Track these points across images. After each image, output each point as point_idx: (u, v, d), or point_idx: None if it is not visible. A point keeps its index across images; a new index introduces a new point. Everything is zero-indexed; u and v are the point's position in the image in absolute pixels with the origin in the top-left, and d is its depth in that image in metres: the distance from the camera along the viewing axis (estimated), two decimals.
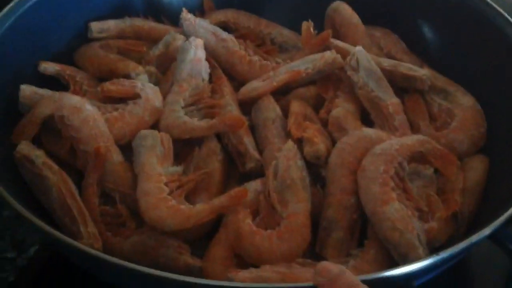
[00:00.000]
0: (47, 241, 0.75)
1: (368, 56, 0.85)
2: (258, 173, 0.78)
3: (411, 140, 0.75)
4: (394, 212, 0.68)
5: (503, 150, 0.80)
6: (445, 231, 0.72)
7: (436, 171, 0.77)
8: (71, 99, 0.77)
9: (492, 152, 0.80)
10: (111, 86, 0.82)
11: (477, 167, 0.79)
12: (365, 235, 0.71)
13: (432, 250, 0.69)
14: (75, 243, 0.62)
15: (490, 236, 0.65)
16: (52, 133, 0.78)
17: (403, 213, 0.68)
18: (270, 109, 0.82)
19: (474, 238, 0.63)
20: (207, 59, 0.86)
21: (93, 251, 0.62)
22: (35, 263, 0.78)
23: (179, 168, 0.75)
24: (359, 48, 0.85)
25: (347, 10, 0.94)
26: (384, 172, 0.71)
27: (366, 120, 0.83)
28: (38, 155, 0.73)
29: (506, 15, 0.86)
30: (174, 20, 0.96)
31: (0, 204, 0.76)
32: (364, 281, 0.54)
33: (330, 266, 0.55)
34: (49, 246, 0.78)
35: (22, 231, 0.80)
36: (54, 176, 0.72)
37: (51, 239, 0.63)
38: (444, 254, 0.61)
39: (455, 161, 0.76)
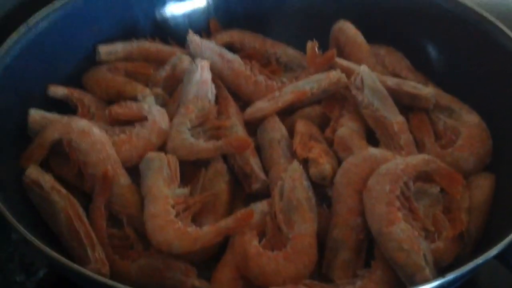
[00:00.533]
0: (55, 265, 0.75)
1: (372, 75, 0.85)
2: (264, 193, 0.78)
3: (416, 159, 0.76)
4: (400, 232, 0.68)
5: (509, 168, 0.79)
6: (452, 250, 0.72)
7: (442, 189, 0.76)
8: (79, 123, 0.78)
9: (498, 170, 0.80)
10: (118, 109, 0.83)
11: (483, 185, 0.79)
12: (371, 255, 0.71)
13: (439, 270, 0.68)
14: (82, 269, 0.63)
15: (497, 257, 0.64)
16: (60, 156, 0.79)
17: (410, 233, 0.68)
18: (276, 129, 0.83)
19: (481, 259, 0.63)
20: (213, 80, 0.87)
21: (100, 278, 0.62)
22: (44, 286, 0.79)
23: (185, 190, 0.76)
24: (363, 67, 0.85)
25: (351, 29, 0.95)
26: (390, 192, 0.71)
27: (372, 138, 0.83)
28: (47, 180, 0.74)
29: (509, 33, 0.86)
30: (181, 41, 0.97)
31: (8, 227, 0.77)
32: None
33: None
34: (58, 271, 0.79)
35: (31, 254, 0.81)
36: (62, 200, 0.72)
37: (57, 264, 0.63)
38: (450, 276, 0.61)
39: (460, 180, 0.76)
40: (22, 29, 0.85)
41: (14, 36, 0.84)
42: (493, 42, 0.87)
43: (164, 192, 0.74)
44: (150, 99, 0.86)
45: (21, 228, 0.66)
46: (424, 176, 0.75)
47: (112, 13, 0.95)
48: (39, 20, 0.87)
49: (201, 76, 0.86)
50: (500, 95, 0.85)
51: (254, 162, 0.80)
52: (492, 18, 0.88)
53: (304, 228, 0.72)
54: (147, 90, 0.87)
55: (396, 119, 0.83)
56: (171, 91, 0.89)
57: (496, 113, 0.84)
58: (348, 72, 0.86)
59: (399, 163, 0.74)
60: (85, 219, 0.72)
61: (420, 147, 0.83)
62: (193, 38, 0.92)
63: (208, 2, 1.01)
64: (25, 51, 0.85)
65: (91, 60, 0.93)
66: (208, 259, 0.73)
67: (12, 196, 0.72)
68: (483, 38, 0.89)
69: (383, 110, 0.83)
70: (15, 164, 0.78)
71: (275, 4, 1.02)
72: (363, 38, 0.94)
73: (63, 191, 0.73)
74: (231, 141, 0.79)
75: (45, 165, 0.78)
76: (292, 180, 0.75)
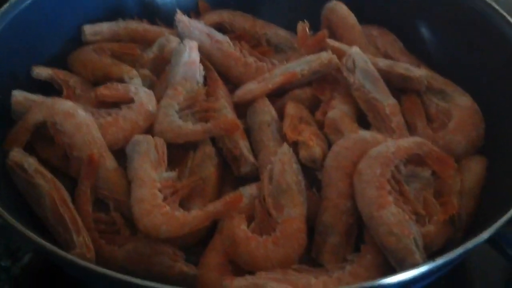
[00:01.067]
0: (39, 251, 0.74)
1: (364, 57, 0.84)
2: (254, 176, 0.77)
3: (408, 142, 0.75)
4: (391, 216, 0.67)
5: (502, 151, 0.79)
6: (443, 234, 0.71)
7: (433, 173, 0.76)
8: (64, 105, 0.77)
9: (490, 153, 0.80)
10: (104, 91, 0.81)
11: (475, 168, 0.78)
12: (361, 239, 0.70)
13: (430, 254, 0.68)
14: (66, 254, 0.62)
15: (488, 241, 0.64)
16: (44, 139, 0.77)
17: (400, 217, 0.67)
18: (266, 112, 0.82)
19: (471, 243, 0.62)
20: (201, 62, 0.86)
21: (85, 263, 0.61)
22: (29, 271, 0.78)
23: (173, 174, 0.74)
24: (355, 49, 0.84)
25: (343, 10, 0.93)
26: (380, 176, 0.71)
27: (363, 121, 0.82)
28: (31, 163, 0.73)
29: (504, 14, 0.85)
30: (168, 21, 0.95)
31: None
32: None
33: None
34: (43, 255, 0.78)
35: (17, 239, 0.80)
36: (47, 184, 0.71)
37: (42, 249, 0.62)
38: (440, 260, 0.60)
39: (452, 164, 0.75)
40: (5, 7, 0.83)
41: None
42: (487, 23, 0.86)
43: (151, 175, 0.73)
44: (137, 81, 0.85)
45: (5, 214, 0.65)
46: (416, 159, 0.74)
47: None
48: None
49: (189, 57, 0.84)
50: (494, 77, 0.84)
51: (243, 145, 0.79)
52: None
53: (293, 212, 0.71)
54: (134, 72, 0.85)
55: (387, 102, 0.82)
56: (159, 72, 0.88)
57: (489, 95, 0.83)
58: (339, 54, 0.85)
59: (390, 146, 0.73)
60: (70, 204, 0.71)
61: (412, 130, 0.82)
62: (181, 18, 0.90)
63: None
64: (8, 30, 0.83)
65: (77, 41, 0.92)
66: (196, 244, 0.72)
67: None
68: (477, 19, 0.88)
69: (375, 92, 0.82)
70: None
71: None
72: (355, 19, 0.93)
73: (48, 174, 0.72)
74: (220, 123, 0.78)
75: (29, 148, 0.76)
76: (282, 163, 0.74)
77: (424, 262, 0.64)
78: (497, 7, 0.86)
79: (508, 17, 0.84)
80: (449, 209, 0.72)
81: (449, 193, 0.74)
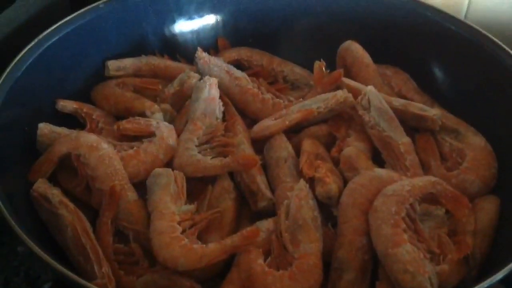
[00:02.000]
0: (61, 279, 0.75)
1: (379, 96, 0.86)
2: (270, 212, 0.78)
3: (422, 181, 0.76)
4: (406, 254, 0.68)
5: None
6: (457, 273, 0.72)
7: (447, 212, 0.77)
8: (88, 138, 0.79)
9: (503, 193, 0.80)
10: (127, 125, 0.83)
11: (488, 208, 0.79)
12: (376, 276, 0.71)
13: None
14: (88, 284, 0.63)
15: (502, 280, 0.64)
16: (68, 171, 0.79)
17: (415, 255, 0.68)
18: (283, 148, 0.83)
19: (486, 283, 0.63)
20: (220, 97, 0.88)
21: None
22: None
23: (192, 207, 0.76)
24: (370, 87, 0.86)
25: (358, 49, 0.95)
26: (395, 213, 0.72)
27: (378, 159, 0.84)
28: (55, 194, 0.74)
29: None
30: (189, 58, 0.98)
31: (15, 240, 0.77)
32: None
33: None
34: (63, 285, 0.79)
35: (37, 268, 0.81)
36: (70, 214, 0.73)
37: (64, 278, 0.64)
38: None
39: (466, 203, 0.76)
40: (32, 44, 0.86)
41: (24, 51, 0.85)
42: (500, 64, 0.88)
43: (170, 208, 0.74)
44: (159, 115, 0.87)
45: (28, 241, 0.66)
46: (430, 198, 0.75)
47: (122, 29, 0.96)
48: (49, 35, 0.88)
49: (209, 93, 0.86)
50: (506, 118, 0.85)
51: (261, 180, 0.80)
52: (498, 41, 0.89)
53: (309, 247, 0.72)
54: (156, 106, 0.87)
55: (402, 140, 0.83)
56: (179, 107, 0.90)
57: (502, 136, 0.85)
58: (355, 92, 0.86)
59: (405, 184, 0.75)
60: (91, 234, 0.72)
61: (425, 168, 0.83)
62: (202, 55, 0.93)
63: (217, 20, 1.02)
64: (35, 65, 0.85)
65: (100, 76, 0.94)
66: (213, 277, 0.73)
67: (20, 209, 0.72)
68: (490, 60, 0.89)
69: (389, 131, 0.84)
70: (24, 178, 0.78)
71: (283, 23, 1.03)
72: (370, 59, 0.95)
73: (71, 205, 0.74)
74: (238, 158, 0.80)
75: (53, 180, 0.78)
76: (298, 199, 0.75)
77: None
78: (508, 49, 0.88)
79: None
80: (464, 249, 0.73)
81: (463, 232, 0.75)
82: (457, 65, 0.94)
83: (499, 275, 0.64)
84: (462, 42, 0.93)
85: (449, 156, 0.85)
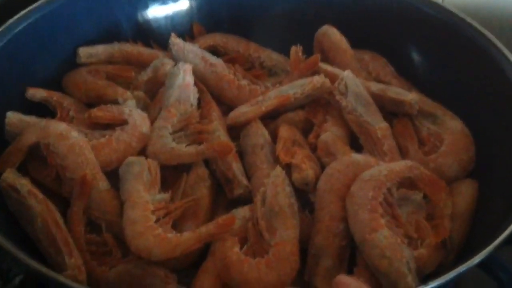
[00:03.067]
0: (32, 272, 0.74)
1: (356, 81, 0.85)
2: (247, 199, 0.77)
3: (400, 165, 0.75)
4: (383, 239, 0.68)
5: (492, 174, 0.79)
6: (435, 258, 0.72)
7: (425, 196, 0.76)
8: (57, 127, 0.77)
9: (481, 177, 0.80)
10: (98, 113, 0.82)
11: (466, 192, 0.78)
12: (354, 262, 0.70)
13: (421, 277, 0.68)
14: (58, 276, 0.61)
15: (479, 265, 0.64)
16: (38, 160, 0.77)
17: (392, 240, 0.68)
18: (259, 134, 0.82)
19: (464, 267, 0.62)
20: (195, 84, 0.86)
21: (76, 285, 0.61)
22: None
23: (166, 195, 0.74)
24: (347, 72, 0.85)
25: (335, 34, 0.94)
26: (372, 198, 0.71)
27: (355, 144, 0.83)
28: (23, 184, 0.72)
29: (493, 39, 0.86)
30: (163, 44, 0.96)
31: None
32: None
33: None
34: (34, 277, 0.77)
35: (8, 260, 0.79)
36: (39, 205, 0.71)
37: (34, 271, 0.62)
38: (433, 284, 0.60)
39: (443, 187, 0.75)
40: (0, 30, 0.84)
41: None
42: (477, 47, 0.87)
43: (144, 197, 0.73)
44: (131, 103, 0.85)
45: None
46: (407, 183, 0.75)
47: (93, 15, 0.94)
48: (18, 21, 0.86)
49: (184, 80, 0.85)
50: (483, 101, 0.85)
51: (237, 168, 0.79)
52: (475, 23, 0.88)
53: (286, 235, 0.71)
54: (128, 93, 0.86)
55: (379, 125, 0.82)
56: (153, 94, 0.88)
57: (479, 119, 0.84)
58: (332, 77, 0.85)
59: (383, 169, 0.74)
60: (62, 225, 0.70)
61: (403, 153, 0.82)
62: (176, 41, 0.91)
63: (191, 5, 1.00)
64: (3, 52, 0.83)
65: (71, 63, 0.92)
66: (188, 266, 0.72)
67: None
68: (467, 43, 0.89)
69: (367, 116, 0.83)
70: None
71: (259, 8, 1.01)
72: (347, 43, 0.94)
73: (40, 195, 0.72)
74: (213, 145, 0.78)
75: (22, 169, 0.76)
76: (275, 186, 0.74)
77: (416, 285, 0.64)
78: (484, 31, 0.87)
79: (496, 41, 0.86)
80: (441, 233, 0.72)
81: (441, 216, 0.75)
82: (434, 49, 0.94)
83: (477, 259, 0.63)
84: (439, 25, 0.93)
85: (427, 140, 0.84)
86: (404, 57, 0.96)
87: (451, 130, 0.84)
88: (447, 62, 0.92)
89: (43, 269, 0.62)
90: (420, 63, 0.95)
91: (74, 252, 0.68)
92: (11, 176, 0.73)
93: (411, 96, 0.85)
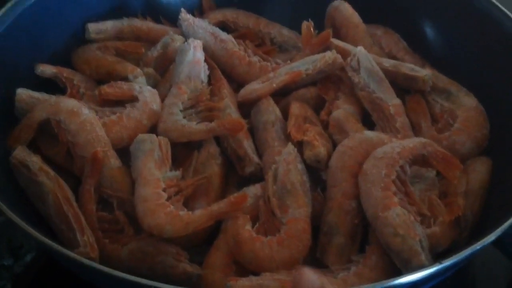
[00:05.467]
0: (43, 248, 0.74)
1: (369, 57, 0.83)
2: (258, 177, 0.77)
3: (413, 142, 0.74)
4: (396, 217, 0.67)
5: (506, 152, 0.78)
6: (448, 235, 0.71)
7: (438, 173, 0.75)
8: (68, 103, 0.76)
9: (495, 154, 0.79)
10: (108, 89, 0.81)
11: (480, 169, 0.77)
12: (366, 240, 0.70)
13: (435, 255, 0.68)
14: (70, 253, 0.61)
15: (494, 243, 0.63)
16: (48, 137, 0.77)
17: (405, 218, 0.67)
18: (270, 111, 0.81)
19: (478, 245, 0.62)
20: (206, 61, 0.85)
21: (88, 262, 0.61)
22: (32, 270, 0.78)
23: (177, 173, 0.74)
24: (360, 48, 0.84)
25: (347, 9, 0.93)
26: (385, 176, 0.70)
27: (368, 121, 0.82)
28: (34, 161, 0.72)
29: (508, 13, 0.84)
30: (173, 20, 0.94)
31: None
32: None
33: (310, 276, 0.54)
34: (46, 253, 0.77)
35: (19, 237, 0.79)
36: (50, 182, 0.71)
37: (46, 247, 0.62)
38: (448, 262, 0.60)
39: (457, 164, 0.74)
40: (9, 5, 0.83)
41: (2, 12, 0.81)
42: (492, 22, 0.86)
43: (155, 175, 0.72)
44: (141, 79, 0.84)
45: (8, 211, 0.65)
46: (421, 160, 0.74)
47: None
48: None
49: (194, 56, 0.84)
50: (498, 77, 0.84)
51: (248, 145, 0.78)
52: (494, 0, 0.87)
53: (298, 212, 0.70)
54: (138, 70, 0.85)
55: (392, 102, 0.81)
56: (163, 71, 0.87)
57: (494, 95, 0.83)
58: (344, 53, 0.84)
59: (396, 146, 0.73)
60: (74, 202, 0.70)
61: (416, 130, 0.82)
62: (186, 17, 0.90)
63: None
64: (12, 28, 0.83)
65: (81, 39, 0.91)
66: (200, 244, 0.72)
67: None
68: (481, 18, 0.87)
69: (379, 92, 0.82)
70: (2, 145, 0.76)
71: None
72: (359, 18, 0.93)
73: (51, 172, 0.72)
74: (224, 123, 0.77)
75: (33, 146, 0.76)
76: (286, 163, 0.73)
77: (429, 263, 0.64)
78: (501, 6, 0.86)
79: (511, 14, 0.84)
80: (455, 210, 0.72)
81: (454, 194, 0.74)
82: (448, 23, 0.93)
83: (492, 236, 0.63)
84: (453, 0, 0.90)
85: (440, 117, 0.83)
86: (417, 32, 0.95)
87: (465, 106, 0.83)
88: (461, 37, 0.90)
89: (55, 246, 0.62)
90: (434, 38, 0.94)
91: (86, 229, 0.68)
92: (21, 153, 0.73)
93: (424, 72, 0.84)
